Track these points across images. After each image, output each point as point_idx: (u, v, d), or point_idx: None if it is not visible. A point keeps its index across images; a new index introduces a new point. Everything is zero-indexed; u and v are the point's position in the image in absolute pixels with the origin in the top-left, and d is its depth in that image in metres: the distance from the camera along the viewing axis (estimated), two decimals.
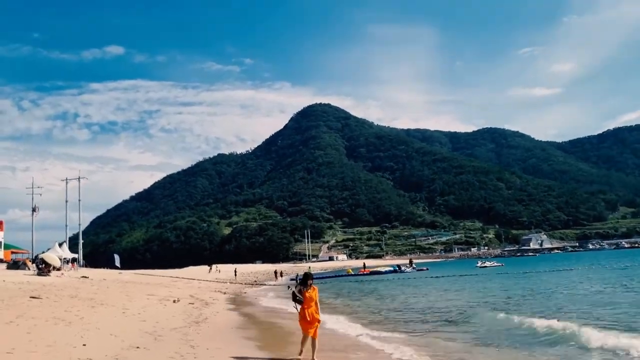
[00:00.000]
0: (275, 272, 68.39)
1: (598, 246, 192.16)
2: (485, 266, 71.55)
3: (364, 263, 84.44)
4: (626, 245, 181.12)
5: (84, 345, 9.47)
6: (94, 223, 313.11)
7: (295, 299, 10.67)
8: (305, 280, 10.68)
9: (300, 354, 10.57)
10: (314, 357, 10.36)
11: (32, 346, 8.81)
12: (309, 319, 10.28)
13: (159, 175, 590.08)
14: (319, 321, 10.55)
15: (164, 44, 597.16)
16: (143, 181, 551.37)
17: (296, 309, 10.65)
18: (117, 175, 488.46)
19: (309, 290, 10.50)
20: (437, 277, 53.04)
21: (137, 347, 10.04)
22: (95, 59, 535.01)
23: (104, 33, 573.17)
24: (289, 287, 46.52)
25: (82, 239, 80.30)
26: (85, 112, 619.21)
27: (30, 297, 18.23)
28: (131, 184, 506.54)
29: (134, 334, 11.81)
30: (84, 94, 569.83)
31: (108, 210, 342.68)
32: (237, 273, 68.92)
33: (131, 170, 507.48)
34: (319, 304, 10.63)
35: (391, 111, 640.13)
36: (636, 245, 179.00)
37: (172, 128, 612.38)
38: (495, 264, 77.79)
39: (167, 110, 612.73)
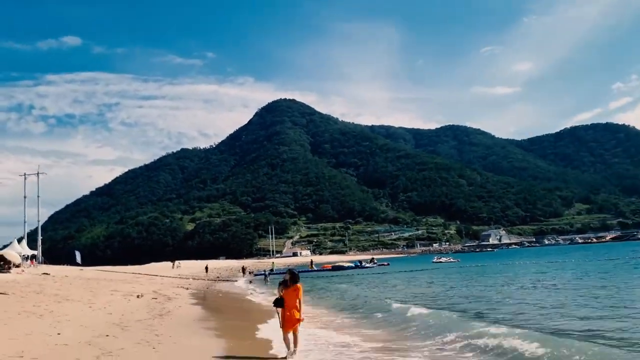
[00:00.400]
0: (243, 269, 68.20)
1: (553, 242, 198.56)
2: (441, 261, 73.80)
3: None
4: (580, 241, 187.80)
5: (59, 334, 10.51)
6: (52, 219, 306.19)
7: (277, 304, 10.48)
8: (285, 279, 10.68)
9: (288, 349, 10.40)
10: (296, 348, 10.42)
11: (11, 335, 9.77)
12: (288, 317, 10.24)
13: (119, 170, 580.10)
14: (299, 320, 10.39)
15: (123, 36, 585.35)
16: (102, 176, 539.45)
17: (277, 313, 10.53)
18: (75, 170, 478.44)
19: (288, 290, 10.44)
20: (394, 272, 55.08)
21: (107, 335, 11.11)
22: (51, 49, 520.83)
23: (60, 23, 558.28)
24: (250, 281, 47.71)
25: (41, 235, 79.11)
26: (41, 104, 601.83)
27: None
28: (90, 178, 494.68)
29: (102, 325, 12.83)
30: (40, 86, 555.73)
31: (67, 206, 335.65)
32: (207, 269, 67.79)
33: (90, 165, 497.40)
34: (301, 302, 10.50)
35: (355, 107, 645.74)
36: (589, 241, 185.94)
37: (133, 122, 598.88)
38: (452, 259, 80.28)
39: (127, 104, 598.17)
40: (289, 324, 10.22)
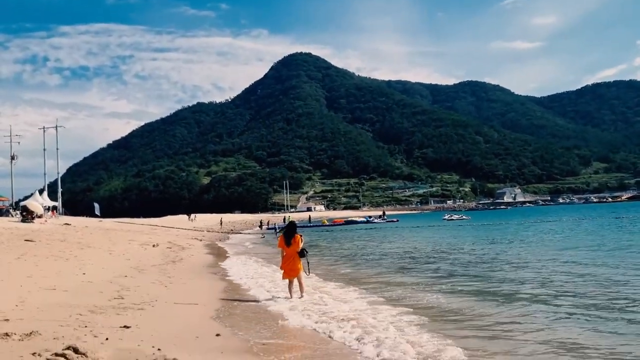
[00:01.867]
0: (261, 222, 70.61)
1: (568, 200, 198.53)
2: (452, 219, 74.67)
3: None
4: (594, 200, 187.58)
5: (84, 274, 12.03)
6: (70, 171, 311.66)
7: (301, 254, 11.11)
8: (290, 232, 11.28)
9: (291, 297, 10.96)
10: (302, 294, 10.96)
11: (43, 273, 11.28)
12: (289, 267, 10.93)
13: (134, 124, 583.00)
14: (299, 270, 11.03)
15: None
16: (118, 129, 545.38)
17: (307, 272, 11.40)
18: (92, 122, 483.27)
19: (291, 242, 11.08)
20: (398, 227, 56.63)
21: (126, 276, 12.64)
22: (64, 0, 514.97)
23: None
24: (263, 235, 49.44)
25: (60, 187, 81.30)
26: (55, 56, 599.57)
27: (25, 240, 20.49)
28: (106, 131, 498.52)
29: (121, 268, 14.39)
30: (54, 37, 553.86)
31: (85, 158, 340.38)
32: (221, 222, 70.64)
33: (106, 118, 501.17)
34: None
35: (371, 61, 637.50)
36: (604, 200, 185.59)
37: (147, 75, 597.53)
38: (464, 217, 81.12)
39: (141, 56, 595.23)
40: (291, 272, 10.91)
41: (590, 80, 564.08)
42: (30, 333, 5.93)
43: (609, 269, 14.57)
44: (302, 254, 11.02)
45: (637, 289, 10.99)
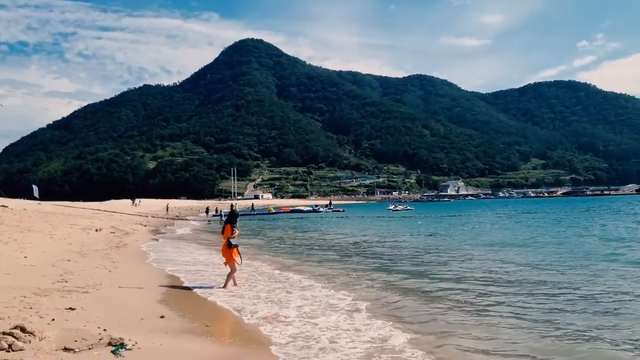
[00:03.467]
0: (207, 209, 69.85)
1: (507, 195, 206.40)
2: (397, 210, 76.40)
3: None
4: (532, 195, 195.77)
5: (25, 257, 11.92)
6: (7, 151, 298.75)
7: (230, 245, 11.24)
8: (234, 221, 11.59)
9: (224, 286, 11.12)
10: (227, 284, 11.14)
11: None
12: (223, 255, 11.37)
13: (76, 104, 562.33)
14: (228, 259, 11.24)
15: None
16: (59, 109, 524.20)
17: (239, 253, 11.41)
18: (31, 101, 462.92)
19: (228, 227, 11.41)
20: (342, 217, 57.65)
21: (68, 260, 12.60)
22: None
23: None
24: (209, 222, 49.21)
25: None
26: None
27: None
28: (46, 110, 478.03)
29: (63, 252, 14.26)
30: None
31: (22, 138, 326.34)
32: (167, 208, 69.80)
33: (46, 97, 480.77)
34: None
35: (322, 51, 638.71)
36: (541, 195, 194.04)
37: (91, 54, 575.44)
38: (408, 207, 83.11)
39: (84, 34, 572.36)
40: (224, 260, 11.32)
41: (532, 79, 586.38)
42: None
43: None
44: (228, 244, 11.19)
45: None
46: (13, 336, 5.09)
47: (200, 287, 11.10)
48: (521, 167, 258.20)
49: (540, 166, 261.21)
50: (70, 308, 7.24)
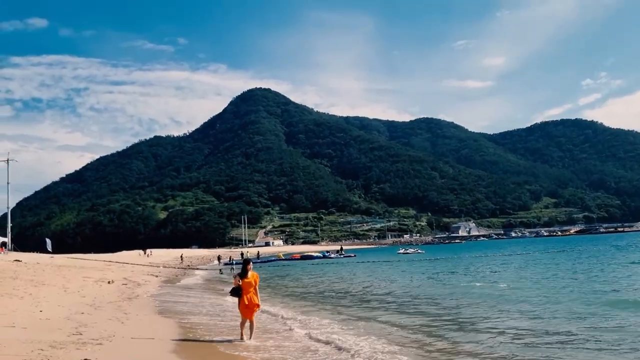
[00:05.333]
0: (219, 257, 70.45)
1: (520, 234, 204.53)
2: (407, 253, 76.06)
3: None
4: (545, 234, 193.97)
5: (41, 311, 12.27)
6: (21, 205, 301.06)
7: (234, 293, 10.88)
8: (243, 269, 11.02)
9: (241, 338, 10.88)
10: (251, 339, 10.80)
11: (0, 311, 11.45)
12: (247, 304, 10.59)
13: (88, 157, 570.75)
14: (258, 306, 10.92)
15: (91, 18, 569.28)
16: (72, 162, 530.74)
17: (238, 302, 10.87)
18: (44, 155, 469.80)
19: (248, 277, 10.80)
20: (351, 262, 57.49)
21: (82, 313, 12.92)
22: (16, 30, 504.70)
23: (25, 4, 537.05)
24: (220, 270, 49.30)
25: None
26: (6, 87, 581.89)
27: None
28: (59, 164, 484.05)
29: (77, 305, 14.58)
30: (5, 68, 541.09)
31: (36, 192, 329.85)
32: (182, 258, 69.81)
33: (59, 151, 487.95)
34: (258, 290, 10.97)
35: (329, 97, 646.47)
36: (554, 234, 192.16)
37: (102, 107, 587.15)
38: (419, 251, 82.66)
39: (96, 89, 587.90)
40: (247, 310, 10.67)
41: (539, 119, 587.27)
42: None
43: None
44: (234, 292, 10.94)
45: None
46: None
47: (214, 340, 11.13)
48: (533, 206, 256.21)
49: (552, 205, 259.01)
50: (86, 359, 7.52)
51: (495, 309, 15.09)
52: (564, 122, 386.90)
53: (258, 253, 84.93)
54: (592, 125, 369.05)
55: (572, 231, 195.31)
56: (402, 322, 13.25)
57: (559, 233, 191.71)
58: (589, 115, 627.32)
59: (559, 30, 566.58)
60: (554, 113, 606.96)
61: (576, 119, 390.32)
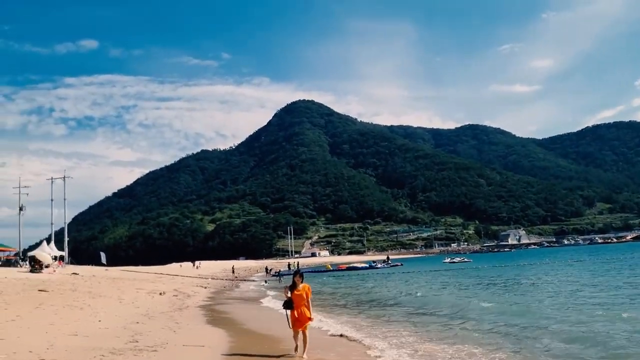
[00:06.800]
0: (267, 269, 71.39)
1: (573, 242, 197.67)
2: (454, 262, 75.10)
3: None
4: (599, 241, 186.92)
5: (99, 321, 13.16)
6: (76, 220, 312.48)
7: (286, 306, 10.56)
8: (293, 281, 10.74)
9: (295, 350, 10.63)
10: (304, 354, 10.44)
11: (64, 321, 12.39)
12: (297, 317, 10.35)
13: (138, 172, 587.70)
14: (310, 319, 10.54)
15: (139, 38, 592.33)
16: (123, 177, 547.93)
17: (287, 316, 10.60)
18: (96, 171, 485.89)
19: (298, 289, 10.53)
20: (396, 272, 57.29)
21: (137, 322, 13.74)
22: (69, 52, 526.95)
23: (78, 26, 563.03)
24: (266, 281, 50.09)
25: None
26: (60, 106, 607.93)
27: (39, 290, 21.54)
28: (111, 179, 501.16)
29: (132, 315, 15.46)
30: (59, 88, 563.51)
31: (90, 207, 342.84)
32: (233, 269, 69.94)
33: (110, 166, 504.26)
34: (310, 303, 10.63)
35: (372, 107, 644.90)
36: (609, 240, 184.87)
37: (150, 123, 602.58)
38: (465, 259, 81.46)
39: (144, 106, 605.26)
40: (298, 323, 10.38)
41: (590, 122, 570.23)
42: None
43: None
44: (286, 304, 10.64)
45: None
46: None
47: (263, 355, 10.98)
48: (586, 212, 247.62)
49: (607, 210, 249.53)
50: None
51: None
52: (617, 125, 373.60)
53: (289, 265, 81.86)
54: None
55: (628, 237, 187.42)
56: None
57: (614, 240, 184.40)
58: None
59: (607, 30, 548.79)
60: (607, 115, 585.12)
61: (630, 120, 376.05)
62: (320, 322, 16.04)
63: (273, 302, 24.18)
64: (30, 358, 7.83)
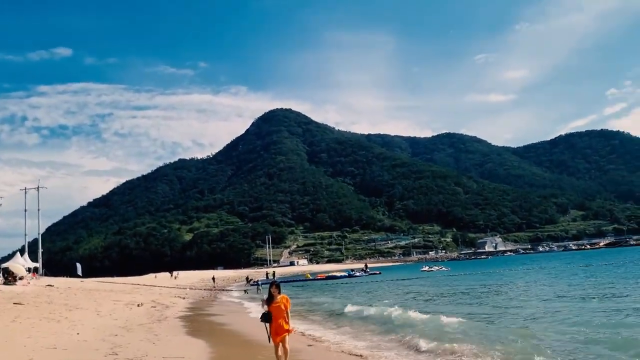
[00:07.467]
0: (247, 278, 70.98)
1: (548, 248, 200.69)
2: (432, 270, 75.65)
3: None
4: (573, 247, 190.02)
5: (78, 334, 13.08)
6: (49, 230, 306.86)
7: (264, 319, 10.17)
8: (269, 293, 10.28)
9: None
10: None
11: (41, 335, 12.30)
12: (276, 330, 9.97)
13: (114, 181, 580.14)
14: (288, 331, 10.12)
15: (114, 46, 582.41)
16: (98, 187, 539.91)
17: (267, 329, 10.19)
18: (71, 181, 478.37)
19: (276, 301, 10.09)
20: (376, 281, 57.68)
21: (116, 335, 13.69)
22: (42, 60, 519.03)
23: (51, 34, 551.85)
24: (245, 291, 49.98)
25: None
26: (33, 115, 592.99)
27: (14, 303, 21.24)
28: (86, 189, 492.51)
29: (110, 328, 15.38)
30: (32, 97, 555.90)
31: (64, 217, 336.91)
32: (214, 279, 67.82)
33: (85, 176, 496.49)
34: (289, 314, 10.21)
35: (350, 116, 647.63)
36: (583, 247, 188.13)
37: (127, 132, 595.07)
38: (443, 268, 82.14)
39: (120, 114, 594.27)
40: (277, 336, 9.98)
41: (563, 131, 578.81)
42: None
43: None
44: (264, 317, 10.24)
45: None
46: None
47: None
48: (560, 219, 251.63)
49: (580, 217, 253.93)
50: None
51: None
52: (589, 133, 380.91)
53: (267, 274, 78.75)
54: (619, 135, 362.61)
55: (601, 244, 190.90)
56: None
57: (588, 246, 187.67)
58: (615, 125, 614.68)
59: (580, 41, 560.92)
60: (579, 124, 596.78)
61: (602, 129, 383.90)
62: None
63: (254, 310, 24.20)
64: None
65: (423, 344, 12.90)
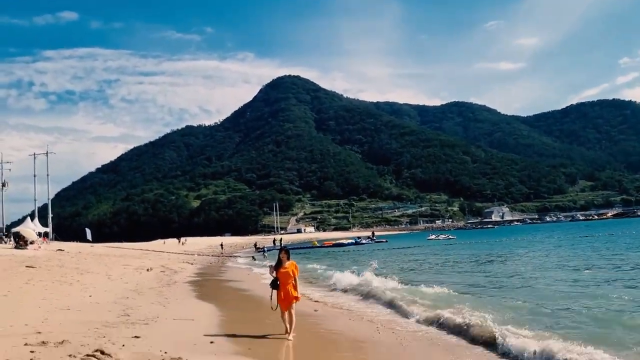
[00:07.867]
0: (255, 245, 71.49)
1: (555, 219, 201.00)
2: (439, 239, 76.11)
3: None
4: (581, 218, 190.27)
5: (90, 296, 13.46)
6: (59, 195, 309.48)
7: (273, 285, 10.05)
8: (278, 258, 10.18)
9: (286, 333, 10.00)
10: (290, 335, 9.89)
11: (55, 296, 12.66)
12: (283, 297, 9.82)
13: (122, 147, 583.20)
14: (296, 298, 9.96)
15: (120, 10, 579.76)
16: (106, 153, 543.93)
17: (271, 295, 10.14)
18: (78, 147, 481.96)
19: (285, 267, 9.94)
20: (384, 249, 58.19)
21: (127, 298, 14.06)
22: (48, 24, 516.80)
23: None
24: (253, 257, 50.56)
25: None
26: (40, 80, 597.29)
27: (27, 267, 21.70)
28: (94, 155, 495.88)
29: (121, 290, 15.77)
30: (38, 62, 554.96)
31: (73, 183, 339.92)
32: (222, 246, 68.43)
33: (93, 142, 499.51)
34: (297, 280, 10.09)
35: (358, 83, 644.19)
36: (590, 217, 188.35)
37: (134, 98, 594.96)
38: (450, 236, 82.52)
39: (126, 80, 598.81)
40: (284, 303, 9.85)
41: (574, 100, 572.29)
42: (62, 342, 7.39)
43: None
44: (273, 284, 10.12)
45: None
46: (95, 357, 6.33)
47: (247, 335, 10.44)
48: (568, 189, 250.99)
49: (589, 188, 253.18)
50: (135, 336, 8.53)
51: None
52: (600, 103, 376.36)
53: (274, 240, 79.97)
54: (630, 105, 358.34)
55: (609, 215, 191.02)
56: None
57: (596, 217, 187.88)
58: (627, 95, 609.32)
59: (593, 8, 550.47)
60: (591, 94, 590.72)
61: (613, 99, 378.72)
62: None
63: (262, 276, 24.53)
64: (27, 331, 8.12)
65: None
